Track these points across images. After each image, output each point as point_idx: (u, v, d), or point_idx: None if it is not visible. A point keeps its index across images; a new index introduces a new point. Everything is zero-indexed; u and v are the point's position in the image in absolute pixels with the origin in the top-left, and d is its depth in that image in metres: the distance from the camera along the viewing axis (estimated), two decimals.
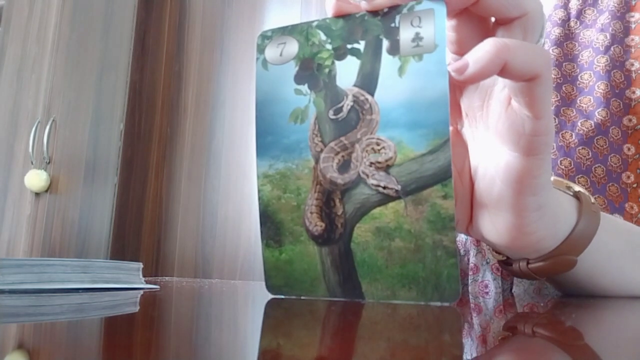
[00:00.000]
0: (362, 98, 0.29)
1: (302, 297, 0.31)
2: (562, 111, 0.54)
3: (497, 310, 0.29)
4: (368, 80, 0.29)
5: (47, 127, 1.82)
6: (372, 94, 0.29)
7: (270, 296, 0.32)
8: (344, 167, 0.29)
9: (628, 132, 0.53)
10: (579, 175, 0.51)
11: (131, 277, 0.42)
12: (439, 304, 0.27)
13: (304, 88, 0.30)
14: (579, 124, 0.53)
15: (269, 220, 0.31)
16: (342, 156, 0.29)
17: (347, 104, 0.29)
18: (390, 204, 0.28)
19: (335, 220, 0.29)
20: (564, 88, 0.56)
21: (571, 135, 0.53)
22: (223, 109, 1.77)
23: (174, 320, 0.24)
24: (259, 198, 0.30)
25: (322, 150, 0.29)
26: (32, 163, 1.83)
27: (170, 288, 0.46)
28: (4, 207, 1.88)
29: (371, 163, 0.28)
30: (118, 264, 0.41)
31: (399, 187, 0.28)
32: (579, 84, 0.56)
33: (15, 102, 1.94)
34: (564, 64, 0.57)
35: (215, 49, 1.82)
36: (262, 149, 0.30)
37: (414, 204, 0.27)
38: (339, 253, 0.29)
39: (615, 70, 0.54)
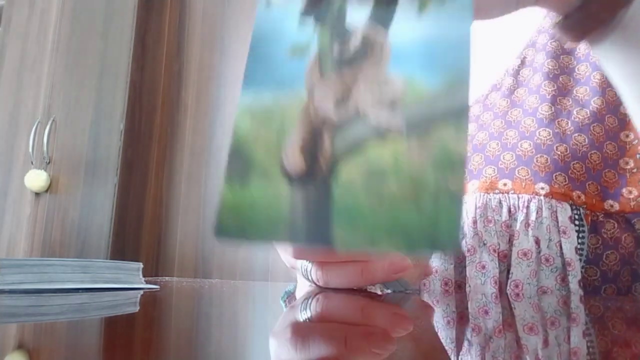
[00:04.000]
0: (373, 34, 0.26)
1: (255, 244, 0.25)
2: (558, 100, 0.55)
3: None
4: (382, 15, 0.27)
5: (47, 127, 1.82)
6: (386, 29, 0.26)
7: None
8: (341, 102, 0.25)
9: (626, 120, 0.53)
10: (575, 162, 0.51)
11: (131, 277, 0.42)
12: (430, 251, 0.23)
13: (310, 20, 0.27)
14: (574, 112, 0.54)
15: (238, 155, 0.25)
16: (341, 91, 0.26)
17: (356, 37, 0.27)
18: (390, 144, 0.24)
19: (319, 157, 0.24)
20: (560, 79, 0.57)
21: (567, 123, 0.53)
22: (223, 109, 1.77)
23: (174, 320, 0.24)
24: (233, 135, 0.25)
25: (318, 83, 0.26)
26: (32, 163, 1.83)
27: (170, 288, 0.46)
28: (4, 207, 1.88)
29: (375, 99, 0.25)
30: (118, 264, 0.41)
31: (403, 126, 0.24)
32: (575, 75, 0.57)
33: (15, 102, 1.94)
34: (561, 56, 0.58)
35: (215, 49, 1.82)
36: (250, 80, 0.27)
37: (420, 146, 0.24)
38: (317, 196, 0.24)
39: None
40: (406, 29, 0.26)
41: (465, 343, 0.21)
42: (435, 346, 0.20)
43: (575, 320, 0.30)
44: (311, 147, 0.24)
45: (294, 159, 0.24)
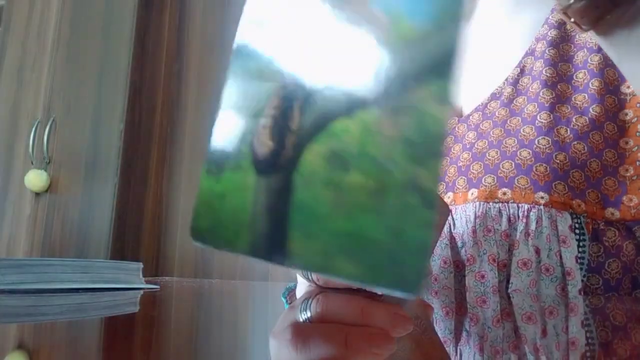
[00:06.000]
0: None
1: (222, 250, 0.22)
2: (556, 108, 0.55)
3: None
4: None
5: (47, 127, 1.82)
6: None
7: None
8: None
9: (625, 127, 0.53)
10: (574, 170, 0.51)
11: (131, 277, 0.42)
12: (388, 292, 0.17)
13: None
14: (573, 119, 0.54)
15: (219, 139, 0.22)
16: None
17: None
18: (359, 114, 0.18)
19: (286, 137, 0.20)
20: (559, 86, 0.57)
21: (566, 131, 0.53)
22: None
23: (174, 320, 0.24)
24: (217, 110, 0.22)
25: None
26: (32, 163, 1.83)
27: (170, 288, 0.46)
28: (4, 207, 1.88)
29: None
30: (118, 264, 0.41)
31: (380, 91, 0.18)
32: (574, 83, 0.57)
33: (15, 102, 1.94)
34: (559, 64, 0.58)
35: (215, 49, 1.82)
36: (243, 48, 0.22)
37: (393, 114, 0.18)
38: (277, 188, 0.20)
39: (608, 68, 0.55)
40: None
41: (464, 333, 0.21)
42: (436, 346, 0.20)
43: (573, 310, 0.30)
44: (281, 123, 0.20)
45: (263, 141, 0.20)
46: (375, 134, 0.18)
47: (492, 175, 0.54)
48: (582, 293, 0.49)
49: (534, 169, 0.52)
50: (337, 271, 0.18)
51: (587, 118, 0.53)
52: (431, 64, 0.17)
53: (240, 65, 0.22)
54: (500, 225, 0.52)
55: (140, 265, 0.44)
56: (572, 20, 0.38)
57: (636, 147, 0.52)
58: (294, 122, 0.20)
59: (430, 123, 0.17)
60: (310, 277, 0.43)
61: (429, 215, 0.16)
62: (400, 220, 0.17)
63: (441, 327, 0.24)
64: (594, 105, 0.54)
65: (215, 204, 0.21)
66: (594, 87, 0.54)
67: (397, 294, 0.16)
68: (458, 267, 0.54)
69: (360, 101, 0.18)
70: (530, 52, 0.61)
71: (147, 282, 0.45)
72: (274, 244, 0.19)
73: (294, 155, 0.20)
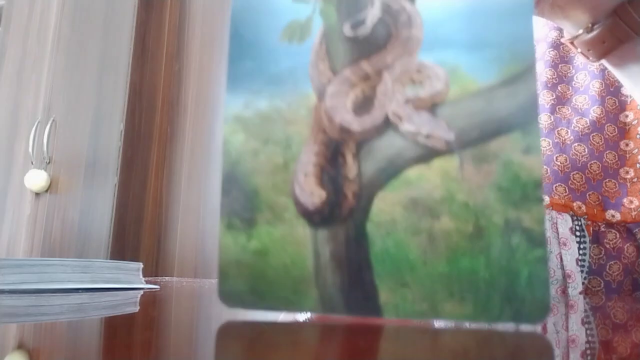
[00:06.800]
0: (395, 6, 0.19)
1: (277, 313, 0.20)
2: (557, 109, 0.55)
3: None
4: None
5: (47, 127, 1.82)
6: None
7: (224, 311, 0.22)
8: (363, 106, 0.19)
9: (625, 129, 0.53)
10: (575, 172, 0.51)
11: (131, 277, 0.42)
12: (513, 325, 0.18)
13: None
14: (574, 121, 0.54)
15: (236, 187, 0.20)
16: (362, 90, 0.19)
17: (373, 14, 0.20)
18: (436, 162, 0.18)
19: (343, 186, 0.19)
20: (559, 88, 0.57)
21: (567, 132, 0.53)
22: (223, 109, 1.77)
23: (174, 320, 0.24)
24: (224, 153, 0.20)
25: (330, 81, 0.20)
26: (32, 163, 1.83)
27: (170, 288, 0.46)
28: (4, 207, 1.88)
29: (408, 99, 0.19)
30: (118, 264, 0.41)
31: (451, 136, 0.18)
32: (574, 84, 0.57)
33: (15, 102, 1.94)
34: (559, 65, 0.58)
35: (215, 49, 1.82)
36: (236, 80, 0.20)
37: (476, 162, 0.18)
38: (346, 239, 0.19)
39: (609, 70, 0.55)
40: None
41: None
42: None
43: (573, 307, 0.30)
44: (330, 171, 0.19)
45: (310, 190, 0.19)
46: (460, 182, 0.18)
47: None
48: (583, 296, 0.49)
49: None
50: (447, 315, 0.18)
51: (587, 120, 0.53)
52: (511, 116, 0.17)
53: (247, 71, 0.21)
54: None
55: (140, 265, 0.44)
56: (579, 50, 0.38)
57: (636, 150, 0.52)
58: (348, 169, 0.19)
59: (524, 173, 0.17)
60: None
61: (539, 252, 0.17)
62: (509, 261, 0.17)
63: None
64: (594, 107, 0.54)
65: (253, 262, 0.19)
66: (595, 89, 0.54)
67: (522, 326, 0.18)
68: None
69: (434, 149, 0.18)
70: None
71: (147, 282, 0.45)
72: (357, 301, 0.18)
73: (360, 204, 0.19)
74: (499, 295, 0.17)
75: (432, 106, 0.18)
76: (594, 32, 0.35)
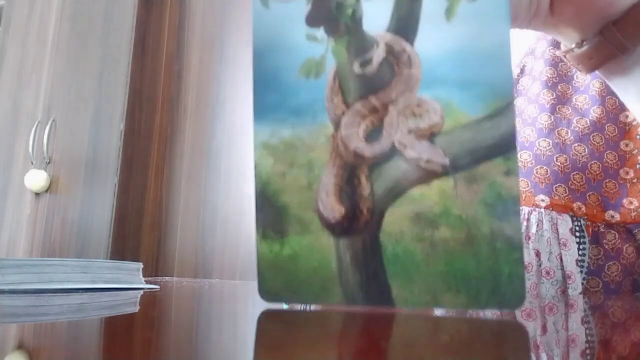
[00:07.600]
0: (397, 48, 0.23)
1: (309, 306, 0.25)
2: (557, 109, 0.55)
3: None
4: (405, 25, 0.23)
5: (47, 127, 1.82)
6: (411, 42, 0.22)
7: (265, 304, 0.25)
8: (373, 135, 0.23)
9: (625, 129, 0.53)
10: (575, 172, 0.51)
11: (131, 277, 0.42)
12: (497, 311, 0.22)
13: (319, 33, 0.23)
14: (574, 121, 0.54)
15: (268, 203, 0.23)
16: (371, 121, 0.23)
17: (378, 54, 0.23)
18: (435, 183, 0.22)
19: (359, 203, 0.23)
20: (559, 87, 0.57)
21: (567, 133, 0.53)
22: (223, 109, 1.77)
23: (174, 320, 0.24)
24: (256, 175, 0.23)
25: (344, 113, 0.23)
26: (32, 163, 1.83)
27: (170, 288, 0.46)
28: (4, 207, 1.88)
29: (410, 130, 0.22)
30: (118, 264, 0.41)
31: (446, 161, 0.22)
32: (574, 83, 0.57)
33: (15, 102, 1.94)
34: (559, 64, 0.58)
35: (215, 49, 1.82)
36: (263, 111, 0.24)
37: (467, 183, 0.22)
38: (363, 246, 0.23)
39: None
40: (435, 39, 0.22)
41: None
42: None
43: (573, 307, 0.30)
44: (348, 190, 0.23)
45: (331, 207, 0.23)
46: (455, 199, 0.22)
47: None
48: (583, 296, 0.49)
49: (535, 172, 0.52)
50: (447, 304, 0.22)
51: (587, 120, 0.53)
52: (494, 144, 0.21)
53: (271, 104, 0.24)
54: None
55: (140, 265, 0.44)
56: (571, 63, 0.39)
57: (636, 150, 0.52)
58: (363, 188, 0.23)
59: (504, 191, 0.21)
60: None
61: (517, 254, 0.21)
62: (494, 262, 0.21)
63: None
64: (595, 107, 0.54)
65: (286, 266, 0.23)
66: (595, 89, 0.54)
67: (504, 310, 0.22)
68: None
69: (433, 172, 0.22)
70: (530, 52, 0.61)
71: (147, 282, 0.45)
72: (373, 294, 0.23)
73: (372, 218, 0.23)
74: (486, 288, 0.21)
75: (430, 136, 0.22)
76: (583, 49, 0.36)
